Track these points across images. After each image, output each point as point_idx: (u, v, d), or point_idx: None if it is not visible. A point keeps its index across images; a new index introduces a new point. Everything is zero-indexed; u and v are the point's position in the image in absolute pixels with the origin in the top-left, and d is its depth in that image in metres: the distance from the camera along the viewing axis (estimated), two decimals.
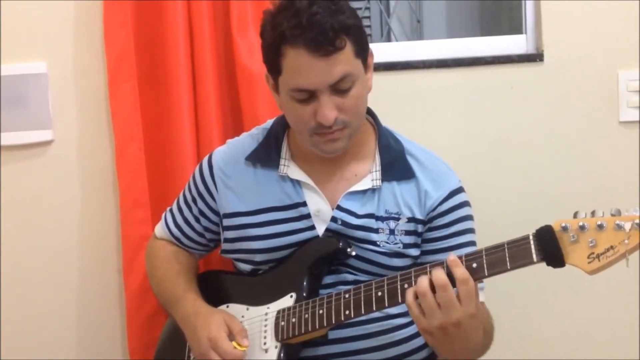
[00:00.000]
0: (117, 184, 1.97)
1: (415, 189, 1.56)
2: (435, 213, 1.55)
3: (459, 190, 1.59)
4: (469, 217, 1.60)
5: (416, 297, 1.31)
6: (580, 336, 2.11)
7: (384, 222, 1.54)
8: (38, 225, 2.05)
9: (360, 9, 3.27)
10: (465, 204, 1.59)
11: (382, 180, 1.55)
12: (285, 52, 1.43)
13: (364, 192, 1.56)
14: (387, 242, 1.54)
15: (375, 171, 1.56)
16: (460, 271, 1.29)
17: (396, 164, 1.57)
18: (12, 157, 2.03)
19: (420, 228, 1.56)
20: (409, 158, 1.59)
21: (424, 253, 1.56)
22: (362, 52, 1.47)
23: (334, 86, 1.43)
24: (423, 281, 1.30)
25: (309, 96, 1.44)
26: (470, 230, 1.59)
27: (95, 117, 2.03)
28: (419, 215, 1.55)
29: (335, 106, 1.44)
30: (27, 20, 2.00)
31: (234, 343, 1.49)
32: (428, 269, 1.33)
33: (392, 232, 1.54)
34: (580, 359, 2.08)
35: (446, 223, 1.56)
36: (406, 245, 1.55)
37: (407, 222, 1.55)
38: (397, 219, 1.54)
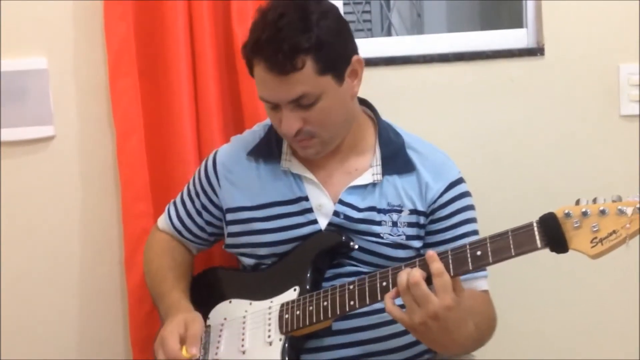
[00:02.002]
0: (118, 178, 1.97)
1: (416, 181, 1.57)
2: (436, 205, 1.57)
3: (459, 181, 1.60)
4: (470, 207, 1.61)
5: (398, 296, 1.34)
6: (580, 336, 2.12)
7: (387, 215, 1.55)
8: (39, 221, 2.05)
9: (360, 3, 3.27)
10: (465, 194, 1.60)
11: (383, 174, 1.56)
12: (253, 62, 1.47)
13: (364, 186, 1.57)
14: (390, 234, 1.55)
15: (376, 165, 1.57)
16: (436, 265, 1.32)
17: (396, 158, 1.58)
18: (13, 153, 2.03)
19: (422, 220, 1.57)
20: (409, 151, 1.60)
21: (428, 245, 1.57)
22: (332, 67, 1.45)
23: (294, 102, 1.44)
24: (402, 279, 1.33)
25: (275, 105, 1.47)
26: (472, 220, 1.60)
27: (96, 112, 2.02)
28: (420, 207, 1.56)
29: (299, 118, 1.46)
30: (28, 16, 2.00)
31: (183, 348, 1.48)
32: (403, 267, 1.37)
33: (394, 224, 1.55)
34: (580, 358, 2.09)
35: (447, 214, 1.57)
36: (409, 237, 1.56)
37: (410, 214, 1.56)
38: (400, 211, 1.55)
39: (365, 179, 1.57)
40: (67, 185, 2.04)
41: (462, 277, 1.38)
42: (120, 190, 1.97)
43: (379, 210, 1.55)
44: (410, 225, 1.56)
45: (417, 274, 1.31)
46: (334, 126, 1.52)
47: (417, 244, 1.57)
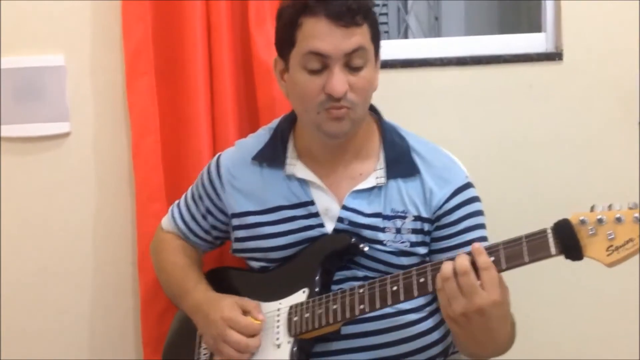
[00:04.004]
0: (133, 177, 1.98)
1: (420, 187, 1.55)
2: (441, 211, 1.54)
3: (466, 186, 1.57)
4: (478, 213, 1.57)
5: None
6: (580, 336, 2.11)
7: (390, 221, 1.53)
8: (53, 218, 2.06)
9: (377, 5, 3.26)
10: (473, 199, 1.57)
11: (387, 177, 1.55)
12: (303, 22, 1.45)
13: (369, 190, 1.55)
14: (394, 241, 1.53)
15: (380, 169, 1.56)
16: (483, 259, 1.29)
17: (401, 161, 1.56)
18: (29, 149, 2.04)
19: (427, 227, 1.54)
20: (414, 155, 1.58)
21: (435, 252, 1.55)
22: (377, 40, 1.50)
23: (347, 57, 1.44)
24: (447, 266, 1.31)
25: (321, 66, 1.45)
26: (481, 226, 1.57)
27: (112, 111, 2.03)
28: (425, 214, 1.54)
29: (346, 81, 1.45)
30: (46, 13, 2.01)
31: (250, 318, 1.51)
32: (414, 271, 1.36)
33: (398, 231, 1.53)
34: (580, 359, 2.08)
35: (454, 220, 1.54)
36: (413, 244, 1.54)
37: (414, 220, 1.54)
38: (404, 218, 1.53)
39: (369, 182, 1.55)
40: (81, 182, 2.05)
41: None
42: (134, 190, 1.98)
43: (384, 217, 1.54)
44: (414, 231, 1.54)
45: (466, 262, 1.29)
46: (365, 105, 1.52)
47: (422, 250, 1.55)
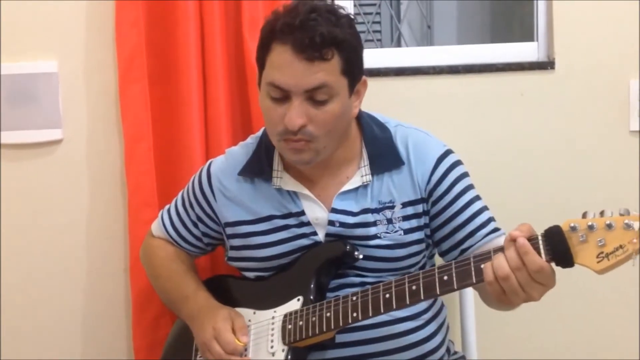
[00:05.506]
0: (126, 183, 1.97)
1: (407, 173, 1.55)
2: (431, 185, 1.55)
3: (446, 153, 1.58)
4: (465, 175, 1.58)
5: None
6: (580, 336, 2.11)
7: (380, 214, 1.54)
8: (46, 224, 2.05)
9: (370, 13, 3.27)
10: (456, 164, 1.58)
11: (372, 174, 1.55)
12: (272, 48, 1.43)
13: (355, 189, 1.55)
14: (387, 232, 1.54)
15: (364, 166, 1.56)
16: (531, 258, 1.26)
17: (385, 155, 1.56)
18: (21, 155, 2.03)
19: (422, 207, 1.55)
20: (397, 143, 1.57)
21: (439, 227, 1.55)
22: (351, 73, 1.46)
23: (309, 93, 1.42)
24: (488, 271, 1.28)
25: (283, 96, 1.43)
26: (471, 187, 1.58)
27: (105, 117, 2.03)
28: (414, 197, 1.54)
29: (305, 114, 1.43)
30: (39, 19, 2.01)
31: (234, 337, 1.51)
32: (406, 278, 1.36)
33: (389, 221, 1.54)
34: (580, 359, 2.09)
35: (447, 188, 1.55)
36: (407, 231, 1.54)
37: (403, 207, 1.54)
38: (392, 207, 1.54)
39: (355, 182, 1.55)
40: (73, 189, 2.05)
41: (484, 240, 1.49)
42: (127, 196, 1.97)
43: (372, 211, 1.54)
44: (405, 218, 1.54)
45: (504, 264, 1.27)
46: (332, 135, 1.48)
47: (417, 236, 1.55)
